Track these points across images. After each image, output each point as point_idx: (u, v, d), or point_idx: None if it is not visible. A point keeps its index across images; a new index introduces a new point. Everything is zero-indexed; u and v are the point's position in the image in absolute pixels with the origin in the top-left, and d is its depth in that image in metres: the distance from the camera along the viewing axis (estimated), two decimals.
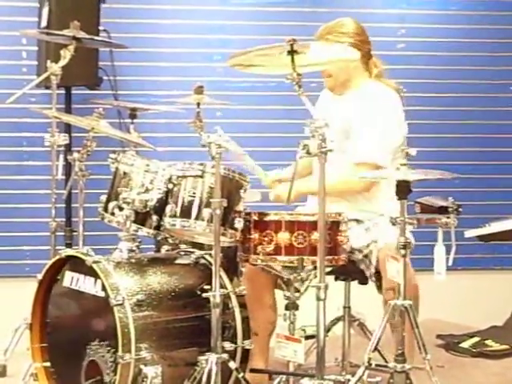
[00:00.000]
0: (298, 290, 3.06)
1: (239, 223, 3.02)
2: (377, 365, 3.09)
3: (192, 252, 3.25)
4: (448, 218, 2.99)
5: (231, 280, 3.13)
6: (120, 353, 2.84)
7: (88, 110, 3.64)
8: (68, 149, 3.84)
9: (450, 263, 3.02)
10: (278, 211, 3.02)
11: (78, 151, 3.49)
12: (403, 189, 2.88)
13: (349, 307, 3.58)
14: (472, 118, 4.92)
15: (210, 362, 2.91)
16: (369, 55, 3.53)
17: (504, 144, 4.99)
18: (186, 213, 3.06)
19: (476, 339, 4.37)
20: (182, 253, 3.29)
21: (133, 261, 3.12)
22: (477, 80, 4.93)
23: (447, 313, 4.69)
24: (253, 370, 3.24)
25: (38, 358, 3.20)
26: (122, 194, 3.17)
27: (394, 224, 2.93)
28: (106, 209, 3.23)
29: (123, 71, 4.57)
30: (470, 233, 3.67)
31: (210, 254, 3.07)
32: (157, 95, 4.56)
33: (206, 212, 3.01)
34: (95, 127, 3.39)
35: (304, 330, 3.20)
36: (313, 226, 2.92)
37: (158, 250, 3.46)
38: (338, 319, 3.60)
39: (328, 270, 3.04)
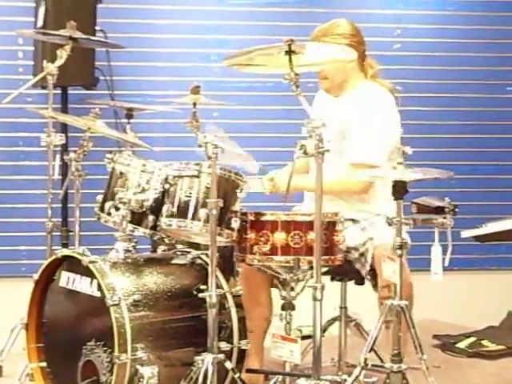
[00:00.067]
0: (293, 290, 3.06)
1: (235, 223, 3.01)
2: (373, 365, 3.09)
3: (188, 252, 3.25)
4: (444, 218, 2.99)
5: (227, 280, 3.13)
6: (116, 353, 2.84)
7: (84, 110, 3.64)
8: (64, 149, 3.84)
9: (447, 263, 3.02)
10: (274, 211, 3.01)
11: (75, 151, 3.48)
12: (400, 189, 2.88)
13: (345, 307, 3.59)
14: (468, 118, 4.92)
15: (206, 362, 2.91)
16: (364, 56, 3.54)
17: (501, 145, 4.99)
18: (182, 213, 3.06)
19: (472, 339, 4.38)
20: (179, 253, 3.29)
21: (129, 261, 3.12)
22: (473, 80, 4.92)
23: (444, 313, 4.69)
24: (249, 371, 3.24)
25: (34, 358, 3.20)
26: (118, 194, 3.17)
27: (390, 224, 2.93)
28: (102, 209, 3.23)
29: (120, 71, 4.57)
30: (466, 233, 3.66)
31: (207, 254, 3.07)
32: (153, 95, 4.55)
33: (202, 212, 3.01)
34: (92, 127, 3.38)
35: (300, 330, 3.20)
36: (309, 226, 2.92)
37: (155, 250, 3.46)
38: (334, 319, 3.61)
39: (324, 270, 3.04)
